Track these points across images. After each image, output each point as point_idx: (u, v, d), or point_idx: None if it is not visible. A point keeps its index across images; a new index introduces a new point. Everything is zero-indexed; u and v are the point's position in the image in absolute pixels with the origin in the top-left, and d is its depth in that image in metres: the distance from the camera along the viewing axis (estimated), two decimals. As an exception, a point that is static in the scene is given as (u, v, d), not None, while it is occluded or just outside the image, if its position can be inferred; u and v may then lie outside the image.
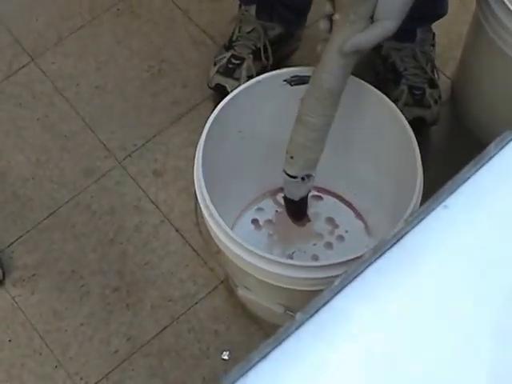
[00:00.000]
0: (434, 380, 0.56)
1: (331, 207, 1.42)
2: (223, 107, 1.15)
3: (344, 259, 1.05)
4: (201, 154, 1.11)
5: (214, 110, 1.14)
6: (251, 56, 1.49)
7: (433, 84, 1.48)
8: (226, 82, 1.47)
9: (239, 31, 1.51)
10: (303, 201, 1.14)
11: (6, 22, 1.66)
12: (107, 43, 1.63)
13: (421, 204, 1.12)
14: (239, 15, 1.53)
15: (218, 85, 1.49)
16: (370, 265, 0.59)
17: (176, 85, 1.58)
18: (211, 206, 1.07)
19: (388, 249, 0.59)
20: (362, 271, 0.58)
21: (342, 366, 0.56)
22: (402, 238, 0.60)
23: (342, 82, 1.01)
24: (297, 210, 1.19)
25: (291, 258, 1.36)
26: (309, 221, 1.21)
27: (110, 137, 1.53)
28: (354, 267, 0.58)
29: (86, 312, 1.39)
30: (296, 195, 1.13)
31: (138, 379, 1.34)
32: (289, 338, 0.56)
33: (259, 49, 1.49)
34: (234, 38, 1.51)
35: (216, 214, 1.07)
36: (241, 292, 1.24)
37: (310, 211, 1.42)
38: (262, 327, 1.37)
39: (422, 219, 0.61)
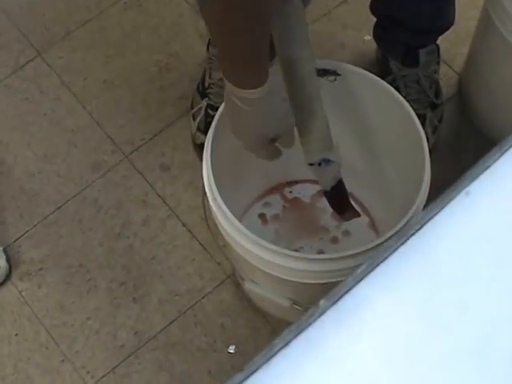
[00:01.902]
0: (454, 368, 0.56)
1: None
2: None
3: (352, 252, 1.05)
4: (209, 148, 1.11)
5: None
6: None
7: (434, 106, 1.48)
8: None
9: (210, 77, 1.48)
10: (337, 191, 1.12)
11: (13, 16, 1.66)
12: (114, 37, 1.63)
13: (427, 200, 1.11)
14: (208, 60, 1.49)
15: (202, 144, 1.45)
16: (393, 252, 0.58)
17: (183, 79, 1.58)
18: (219, 200, 1.07)
19: (411, 235, 0.59)
20: (385, 258, 0.58)
21: (363, 354, 0.56)
22: (424, 224, 0.60)
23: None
24: (335, 202, 1.16)
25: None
26: (358, 215, 1.19)
27: (117, 131, 1.53)
28: (377, 254, 0.58)
29: (92, 306, 1.39)
30: (325, 184, 1.12)
31: (144, 373, 1.34)
32: (311, 325, 0.55)
33: None
34: (207, 85, 1.48)
35: (224, 207, 1.07)
36: (248, 286, 1.24)
37: (317, 205, 1.42)
38: (269, 321, 1.37)
39: (445, 206, 0.61)
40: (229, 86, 0.99)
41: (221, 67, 0.99)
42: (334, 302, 0.56)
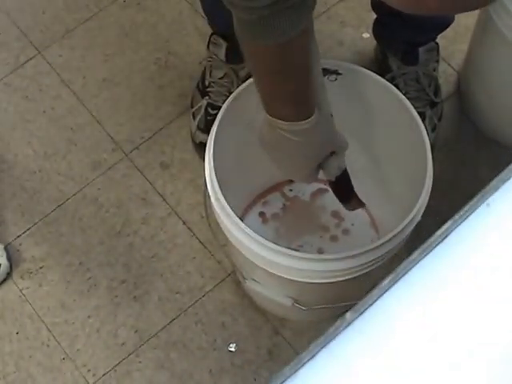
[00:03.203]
0: (481, 378, 0.57)
1: (337, 200, 1.40)
2: (233, 100, 1.14)
3: (354, 252, 1.04)
4: (212, 147, 1.10)
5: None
6: None
7: (433, 104, 1.47)
8: None
9: (210, 75, 1.46)
10: (342, 180, 1.12)
11: (12, 15, 1.64)
12: (114, 36, 1.61)
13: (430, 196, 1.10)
14: (208, 59, 1.48)
15: (202, 143, 1.45)
16: (416, 263, 0.59)
17: (183, 77, 1.56)
18: (222, 199, 1.06)
19: (434, 247, 0.60)
20: (409, 270, 0.59)
21: (389, 366, 0.56)
22: (447, 236, 0.60)
23: None
24: (340, 192, 1.15)
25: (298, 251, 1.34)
26: (363, 205, 1.18)
27: (117, 129, 1.52)
28: (401, 266, 0.58)
29: (93, 304, 1.38)
30: (330, 174, 1.11)
31: (145, 371, 1.33)
32: (337, 337, 0.56)
33: None
34: (207, 83, 1.47)
35: (227, 206, 1.06)
36: (249, 285, 1.23)
37: (317, 204, 1.41)
38: (270, 320, 1.36)
39: (466, 217, 0.62)
40: (275, 122, 0.98)
41: (266, 107, 0.99)
42: (360, 314, 0.57)
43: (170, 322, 1.36)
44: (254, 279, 1.23)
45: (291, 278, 1.09)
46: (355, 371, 0.56)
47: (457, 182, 1.46)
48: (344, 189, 1.15)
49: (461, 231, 0.61)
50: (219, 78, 1.45)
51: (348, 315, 0.57)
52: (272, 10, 0.83)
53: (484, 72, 1.46)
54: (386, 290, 0.58)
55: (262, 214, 1.40)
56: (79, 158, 1.50)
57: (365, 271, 1.09)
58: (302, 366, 0.55)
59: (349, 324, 0.57)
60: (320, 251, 1.36)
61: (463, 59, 1.56)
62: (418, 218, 1.09)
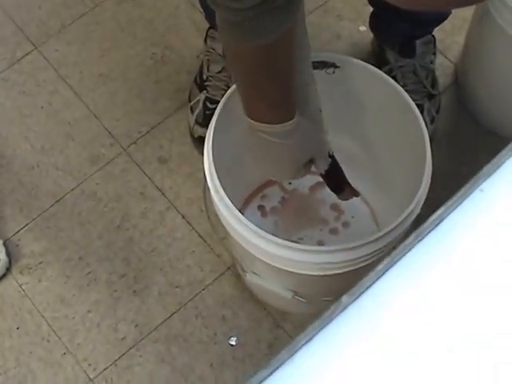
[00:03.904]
0: (476, 363, 0.56)
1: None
2: (232, 93, 1.13)
3: (355, 244, 1.03)
4: (211, 141, 1.08)
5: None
6: None
7: (431, 96, 1.46)
8: None
9: (208, 70, 1.45)
10: (332, 172, 1.11)
11: (8, 10, 1.62)
12: (110, 30, 1.60)
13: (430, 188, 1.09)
14: (206, 53, 1.46)
15: (200, 137, 1.44)
16: (411, 248, 0.59)
17: (180, 71, 1.55)
18: (222, 192, 1.05)
19: (428, 232, 0.60)
20: (403, 255, 0.59)
21: (384, 349, 0.57)
22: (441, 222, 0.60)
23: None
24: (332, 183, 1.14)
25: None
26: (356, 194, 1.17)
27: (114, 124, 1.50)
28: (396, 251, 0.59)
29: (93, 299, 1.37)
30: (319, 167, 1.10)
31: (146, 365, 1.32)
32: (333, 320, 0.56)
33: None
34: (205, 78, 1.45)
35: (227, 199, 1.05)
36: (249, 278, 1.21)
37: (316, 197, 1.40)
38: (270, 313, 1.35)
39: (460, 203, 0.62)
40: (258, 126, 0.98)
41: (248, 111, 0.98)
42: (355, 298, 0.57)
43: (170, 315, 1.35)
44: (254, 272, 1.22)
45: (291, 270, 1.07)
46: (351, 354, 0.56)
47: (456, 174, 1.44)
48: (336, 179, 1.14)
49: (454, 217, 0.61)
50: (217, 72, 1.44)
51: (344, 299, 0.57)
52: (257, 12, 0.82)
53: (481, 64, 1.45)
54: (382, 275, 0.58)
55: (261, 208, 1.39)
56: (77, 153, 1.48)
57: (365, 263, 1.08)
58: (299, 349, 0.55)
59: (344, 308, 0.57)
60: (320, 244, 1.35)
61: (460, 51, 1.55)
62: (418, 210, 1.08)
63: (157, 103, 1.52)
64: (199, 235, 1.41)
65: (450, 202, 0.61)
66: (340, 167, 1.13)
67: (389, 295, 0.58)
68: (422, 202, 1.08)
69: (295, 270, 1.07)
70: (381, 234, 1.04)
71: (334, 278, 1.10)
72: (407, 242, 0.59)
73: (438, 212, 0.60)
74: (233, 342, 1.33)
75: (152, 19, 1.61)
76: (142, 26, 1.60)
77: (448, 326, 0.58)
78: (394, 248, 0.60)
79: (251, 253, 1.09)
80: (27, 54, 1.58)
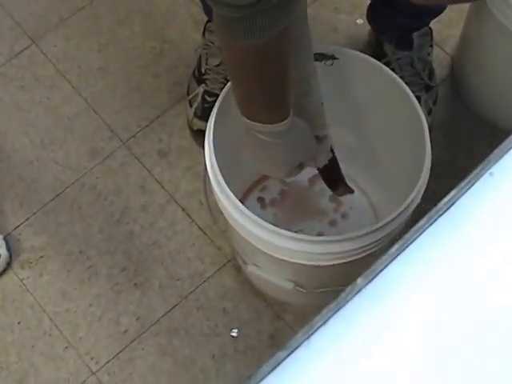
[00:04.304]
0: (486, 342, 0.58)
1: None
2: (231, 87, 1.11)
3: (355, 234, 1.03)
4: (211, 133, 1.07)
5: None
6: None
7: (428, 87, 1.45)
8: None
9: (207, 63, 1.44)
10: (330, 167, 1.11)
11: (6, 5, 1.61)
12: (108, 24, 1.58)
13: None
14: (204, 46, 1.45)
15: (199, 130, 1.43)
16: (423, 231, 0.61)
17: (178, 65, 1.54)
18: (223, 183, 1.04)
19: (440, 215, 0.61)
20: (416, 238, 0.60)
21: (398, 329, 0.58)
22: (452, 205, 0.62)
23: None
24: (328, 178, 1.14)
25: (298, 234, 1.32)
26: (351, 191, 1.17)
27: (113, 118, 1.49)
28: (409, 234, 0.60)
29: (94, 292, 1.36)
30: (318, 161, 1.10)
31: (148, 358, 1.31)
32: (349, 302, 0.58)
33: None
34: (203, 71, 1.44)
35: (228, 191, 1.04)
36: (250, 269, 1.21)
37: (315, 189, 1.39)
38: (270, 304, 1.35)
39: (470, 187, 0.63)
40: (252, 125, 0.97)
41: (242, 109, 0.98)
42: (370, 281, 0.58)
43: (172, 308, 1.34)
44: (254, 264, 1.21)
45: (292, 260, 1.07)
46: (366, 336, 0.57)
47: (453, 165, 1.44)
48: (332, 176, 1.14)
49: (465, 200, 0.63)
50: (215, 66, 1.43)
51: (359, 281, 0.58)
52: (255, 9, 0.81)
53: (478, 56, 1.44)
54: (395, 257, 0.59)
55: (260, 200, 1.38)
56: (76, 147, 1.47)
57: (365, 253, 1.07)
58: (315, 331, 0.56)
59: (359, 290, 0.58)
60: (319, 235, 1.34)
61: (456, 43, 1.54)
62: (418, 199, 1.08)
63: (155, 97, 1.51)
64: (199, 228, 1.40)
65: (460, 186, 0.62)
66: (338, 164, 1.12)
67: (402, 277, 0.59)
68: (421, 192, 1.08)
69: (296, 260, 1.07)
70: (382, 223, 1.03)
71: (335, 268, 1.09)
72: (419, 224, 0.60)
73: (450, 195, 0.62)
74: (234, 334, 1.33)
75: (150, 13, 1.59)
76: (140, 19, 1.59)
77: (460, 306, 0.59)
78: (407, 231, 0.61)
79: (252, 244, 1.08)
80: (25, 49, 1.56)
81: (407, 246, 0.60)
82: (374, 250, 1.08)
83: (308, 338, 0.56)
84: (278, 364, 0.55)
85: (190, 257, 1.38)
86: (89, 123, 1.49)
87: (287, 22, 0.87)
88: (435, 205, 0.62)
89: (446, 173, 1.38)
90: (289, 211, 1.38)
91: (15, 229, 1.40)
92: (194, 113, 1.43)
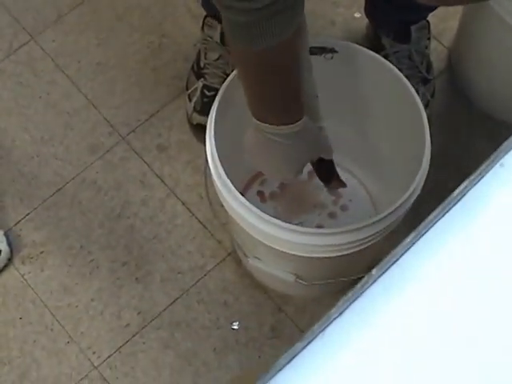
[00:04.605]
0: (504, 328, 0.58)
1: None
2: (233, 79, 1.11)
3: (357, 226, 1.02)
4: (212, 127, 1.07)
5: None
6: None
7: (426, 81, 1.44)
8: (206, 122, 1.38)
9: (205, 57, 1.43)
10: (323, 161, 1.09)
11: (4, 1, 1.59)
12: (107, 19, 1.57)
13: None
14: (203, 41, 1.44)
15: (198, 124, 1.42)
16: (436, 222, 0.61)
17: (177, 59, 1.52)
18: (224, 177, 1.04)
19: (452, 206, 0.62)
20: (429, 228, 0.61)
21: (412, 319, 0.58)
22: (464, 195, 0.62)
23: None
24: (321, 172, 1.12)
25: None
26: (344, 185, 1.16)
27: (113, 113, 1.48)
28: (422, 225, 0.60)
29: (95, 287, 1.35)
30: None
31: (150, 352, 1.31)
32: (363, 293, 0.58)
33: (229, 75, 1.41)
34: (202, 65, 1.43)
35: (230, 184, 1.04)
36: (251, 262, 1.20)
37: (314, 182, 1.38)
38: (271, 296, 1.34)
39: (481, 178, 0.63)
40: (264, 127, 0.96)
41: (254, 111, 0.96)
42: (384, 271, 0.59)
43: (173, 302, 1.34)
44: (255, 256, 1.20)
45: (294, 252, 1.07)
46: (381, 326, 0.57)
47: (451, 157, 1.44)
48: (325, 170, 1.13)
49: (477, 190, 0.64)
50: (214, 60, 1.42)
51: (374, 272, 0.59)
52: (270, 11, 0.80)
53: (475, 48, 1.44)
54: (409, 248, 0.60)
55: (260, 193, 1.37)
56: (76, 142, 1.46)
57: (367, 245, 1.07)
58: (330, 323, 0.56)
59: (374, 281, 0.58)
60: (319, 228, 1.33)
61: (454, 36, 1.53)
62: (418, 191, 1.07)
63: (155, 91, 1.50)
64: (199, 221, 1.39)
65: (472, 177, 0.63)
66: (332, 160, 1.11)
67: (416, 267, 0.60)
68: (421, 184, 1.07)
69: (297, 253, 1.07)
70: (384, 214, 1.03)
71: (336, 260, 1.09)
72: (433, 215, 0.61)
73: (461, 186, 0.62)
74: (235, 327, 1.32)
75: (148, 7, 1.58)
76: (138, 14, 1.57)
77: (475, 297, 0.59)
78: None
79: (253, 236, 1.08)
80: (24, 45, 1.55)
81: (420, 237, 0.60)
82: (374, 241, 1.07)
83: (323, 330, 0.56)
84: (295, 356, 0.55)
85: (190, 250, 1.37)
86: (88, 118, 1.48)
87: (298, 24, 0.86)
88: (447, 196, 0.62)
89: (443, 164, 1.39)
90: (288, 204, 1.37)
91: (16, 224, 1.39)
92: (194, 107, 1.42)
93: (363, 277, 1.15)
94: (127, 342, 1.31)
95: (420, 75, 1.43)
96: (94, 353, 1.30)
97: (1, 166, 1.44)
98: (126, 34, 1.55)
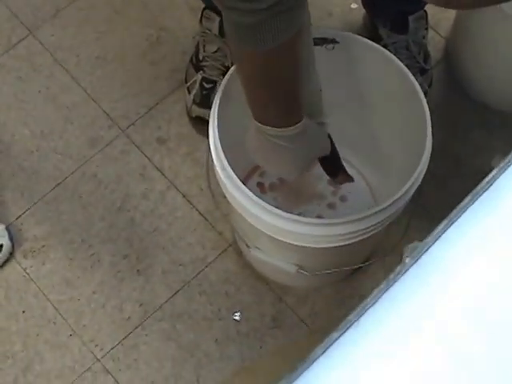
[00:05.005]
0: None
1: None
2: (233, 73, 1.10)
3: (359, 216, 1.02)
4: (216, 119, 1.05)
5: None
6: (222, 77, 1.40)
7: (424, 70, 1.43)
8: (205, 114, 1.38)
9: (204, 50, 1.41)
10: (330, 155, 1.08)
11: (2, -4, 1.58)
12: (105, 13, 1.55)
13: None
14: (201, 33, 1.43)
15: (198, 117, 1.41)
16: (466, 209, 0.61)
17: (175, 52, 1.51)
18: (228, 168, 1.03)
19: (482, 193, 0.62)
20: (459, 216, 0.61)
21: (445, 307, 0.58)
22: (493, 182, 0.62)
23: None
24: (327, 166, 1.11)
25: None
26: (351, 180, 1.15)
27: (112, 106, 1.47)
28: (453, 213, 0.60)
29: (97, 280, 1.34)
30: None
31: (152, 344, 1.30)
32: (396, 282, 0.58)
33: (228, 67, 1.40)
34: (201, 58, 1.42)
35: (234, 176, 1.03)
36: (253, 253, 1.19)
37: (313, 173, 1.37)
38: (272, 287, 1.33)
39: (510, 165, 0.63)
40: (265, 129, 0.95)
41: (255, 114, 0.96)
42: (416, 260, 0.58)
43: (174, 294, 1.33)
44: (257, 247, 1.19)
45: (296, 243, 1.06)
46: (414, 313, 0.57)
47: (448, 146, 1.43)
48: (332, 165, 1.12)
49: (506, 177, 0.63)
50: (213, 52, 1.40)
51: (407, 260, 0.58)
52: (273, 12, 0.79)
53: (472, 38, 1.43)
54: (440, 236, 0.59)
55: (259, 185, 1.36)
56: (76, 136, 1.45)
57: (368, 234, 1.07)
58: (365, 312, 0.56)
59: (407, 270, 0.58)
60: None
61: (450, 26, 1.52)
62: (419, 181, 1.06)
63: (154, 84, 1.49)
64: (200, 213, 1.38)
65: (501, 164, 0.63)
66: (337, 152, 1.10)
67: (447, 255, 0.59)
68: (423, 174, 1.06)
69: (300, 243, 1.06)
70: (386, 204, 1.02)
71: (337, 250, 1.08)
72: (463, 203, 0.61)
73: (491, 174, 0.62)
74: (237, 317, 1.31)
75: (146, 1, 1.57)
76: (136, 7, 1.56)
77: (505, 287, 0.59)
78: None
79: (256, 227, 1.07)
80: (22, 40, 1.53)
81: (451, 225, 0.60)
82: (375, 231, 1.07)
83: (358, 319, 0.56)
84: (330, 345, 0.55)
85: (191, 242, 1.36)
86: (88, 112, 1.47)
87: (301, 24, 0.85)
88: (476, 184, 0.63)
89: (441, 153, 1.38)
90: (288, 195, 1.36)
91: (17, 219, 1.38)
92: (193, 100, 1.41)
93: (362, 267, 1.14)
94: (129, 334, 1.30)
95: (418, 65, 1.42)
96: (96, 345, 1.29)
97: (1, 160, 1.42)
98: (124, 27, 1.54)
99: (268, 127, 0.94)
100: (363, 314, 0.56)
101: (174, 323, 1.31)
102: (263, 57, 0.86)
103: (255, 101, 0.95)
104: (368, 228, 1.04)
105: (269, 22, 0.80)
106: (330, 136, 1.08)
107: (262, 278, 1.33)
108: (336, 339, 0.55)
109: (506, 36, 1.32)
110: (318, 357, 0.54)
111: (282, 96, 0.92)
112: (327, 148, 1.06)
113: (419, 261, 0.58)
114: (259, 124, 0.95)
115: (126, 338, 1.30)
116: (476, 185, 0.63)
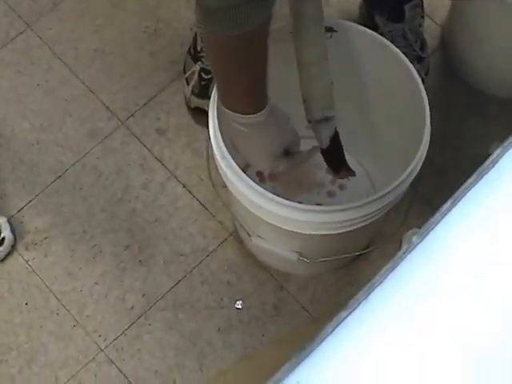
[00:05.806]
0: None
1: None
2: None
3: (359, 203, 1.01)
4: (215, 108, 1.04)
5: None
6: None
7: (420, 58, 1.41)
8: (204, 105, 1.36)
9: (202, 41, 1.39)
10: (334, 148, 1.07)
11: (-1, -10, 1.55)
12: (102, 6, 1.53)
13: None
14: (198, 24, 1.39)
15: (196, 108, 1.39)
16: (471, 188, 0.60)
17: (173, 43, 1.49)
18: (229, 157, 1.01)
19: (487, 171, 0.61)
20: (464, 194, 0.60)
21: (449, 284, 0.58)
22: (498, 161, 0.62)
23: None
24: (331, 160, 1.10)
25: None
26: (353, 174, 1.13)
27: (111, 98, 1.45)
28: (458, 191, 0.60)
29: (99, 271, 1.32)
30: (322, 142, 1.06)
31: (155, 333, 1.28)
32: (403, 261, 0.58)
33: None
34: (199, 49, 1.39)
35: (234, 164, 1.02)
36: (255, 241, 1.17)
37: (313, 161, 1.35)
38: (273, 275, 1.32)
39: None
40: (231, 114, 0.96)
41: (223, 100, 0.96)
42: (423, 239, 0.58)
43: (177, 283, 1.31)
44: (259, 236, 1.17)
45: (298, 230, 1.04)
46: (420, 291, 0.57)
47: (445, 134, 1.41)
48: (334, 159, 1.10)
49: (510, 156, 0.63)
50: None
51: (414, 239, 0.58)
52: None
53: (468, 25, 1.41)
54: (445, 214, 0.59)
55: (259, 174, 1.34)
56: (76, 129, 1.43)
57: (369, 221, 1.06)
58: (373, 290, 0.56)
59: (414, 248, 0.58)
60: (319, 206, 1.31)
61: (446, 13, 1.50)
62: (418, 168, 1.05)
63: (152, 76, 1.47)
64: (200, 203, 1.36)
65: (505, 143, 0.62)
66: (341, 146, 1.08)
67: (452, 233, 0.59)
68: (422, 161, 1.05)
69: (301, 231, 1.04)
70: (386, 190, 1.01)
71: (338, 237, 1.07)
72: (468, 182, 0.61)
73: (496, 152, 0.62)
74: (239, 306, 1.30)
75: (143, -7, 1.54)
76: (133, 0, 1.53)
77: (506, 259, 0.59)
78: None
79: (257, 215, 1.05)
80: (20, 33, 1.51)
81: (456, 203, 0.60)
82: (375, 218, 1.05)
83: (366, 297, 0.56)
84: (339, 324, 0.55)
85: (192, 232, 1.34)
86: (87, 104, 1.45)
87: (271, 11, 0.84)
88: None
89: (438, 140, 1.36)
90: (288, 184, 1.34)
91: (18, 211, 1.36)
92: (192, 91, 1.39)
93: (362, 254, 1.13)
94: (132, 324, 1.28)
95: (414, 53, 1.40)
96: (99, 336, 1.28)
97: (1, 154, 1.40)
98: (121, 19, 1.52)
99: (235, 114, 0.95)
100: (371, 292, 0.56)
101: (177, 313, 1.29)
102: (228, 41, 0.85)
103: (222, 85, 0.96)
104: (368, 215, 1.03)
105: (235, 8, 0.79)
106: (336, 131, 1.05)
107: (263, 266, 1.32)
108: (344, 318, 0.55)
109: (501, 23, 1.31)
110: (328, 335, 0.54)
111: (247, 81, 0.92)
112: (295, 136, 1.05)
113: (426, 238, 0.58)
114: (227, 110, 0.96)
115: (129, 328, 1.28)
116: (473, 171, 0.62)
